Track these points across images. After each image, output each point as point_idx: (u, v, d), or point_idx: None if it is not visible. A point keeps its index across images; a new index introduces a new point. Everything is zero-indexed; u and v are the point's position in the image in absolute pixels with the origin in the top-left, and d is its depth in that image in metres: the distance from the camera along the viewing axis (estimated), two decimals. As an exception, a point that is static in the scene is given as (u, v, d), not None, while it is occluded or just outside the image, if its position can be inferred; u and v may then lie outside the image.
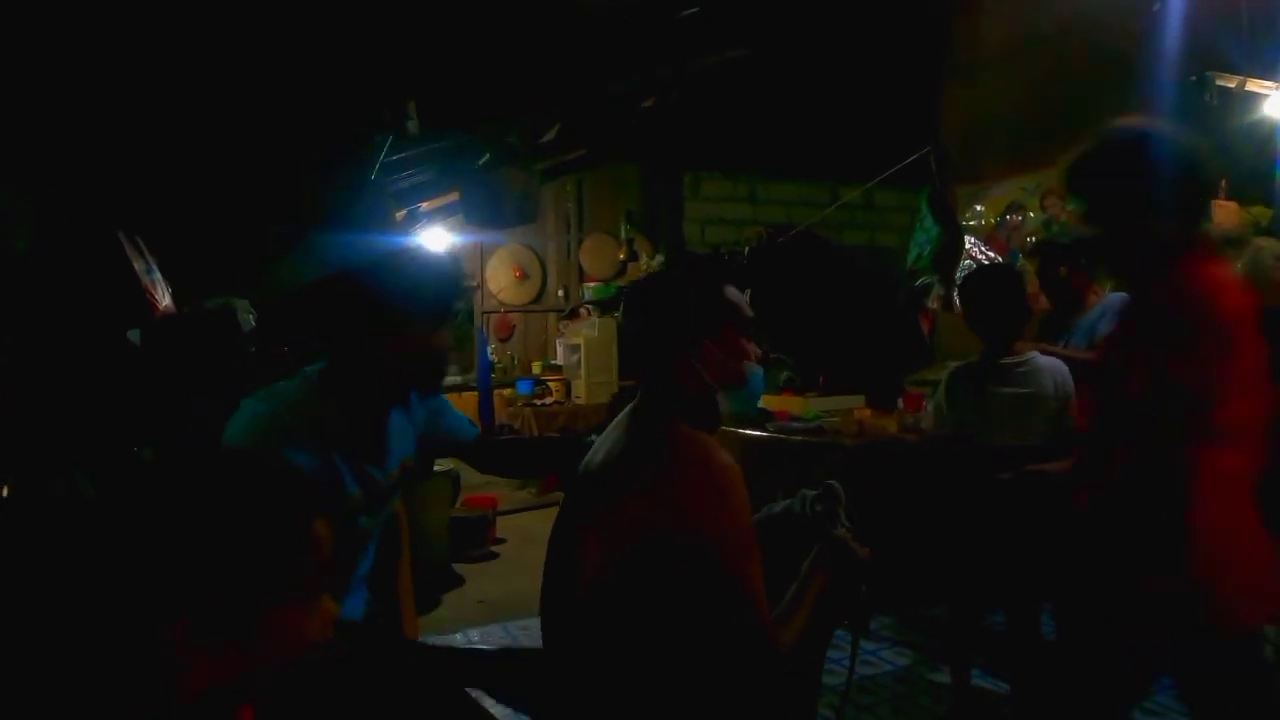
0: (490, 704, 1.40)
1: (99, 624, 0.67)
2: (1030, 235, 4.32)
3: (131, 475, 0.73)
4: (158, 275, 2.44)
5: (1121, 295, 2.86)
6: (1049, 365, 2.39)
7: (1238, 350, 1.25)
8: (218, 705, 0.72)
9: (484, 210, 3.94)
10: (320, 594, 0.76)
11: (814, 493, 1.35)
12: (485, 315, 7.37)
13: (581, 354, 6.63)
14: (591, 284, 7.40)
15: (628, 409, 1.32)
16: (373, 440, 1.40)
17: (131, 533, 0.69)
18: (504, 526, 5.09)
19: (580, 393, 6.65)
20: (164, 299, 2.43)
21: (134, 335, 2.21)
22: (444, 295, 1.40)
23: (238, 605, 0.70)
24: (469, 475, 4.28)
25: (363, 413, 1.38)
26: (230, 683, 0.70)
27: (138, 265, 2.33)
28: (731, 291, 1.32)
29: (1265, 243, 3.08)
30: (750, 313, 1.33)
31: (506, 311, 7.46)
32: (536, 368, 7.28)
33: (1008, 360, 2.41)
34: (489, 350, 7.00)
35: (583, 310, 7.21)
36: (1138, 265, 1.40)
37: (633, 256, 7.58)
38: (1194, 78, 3.58)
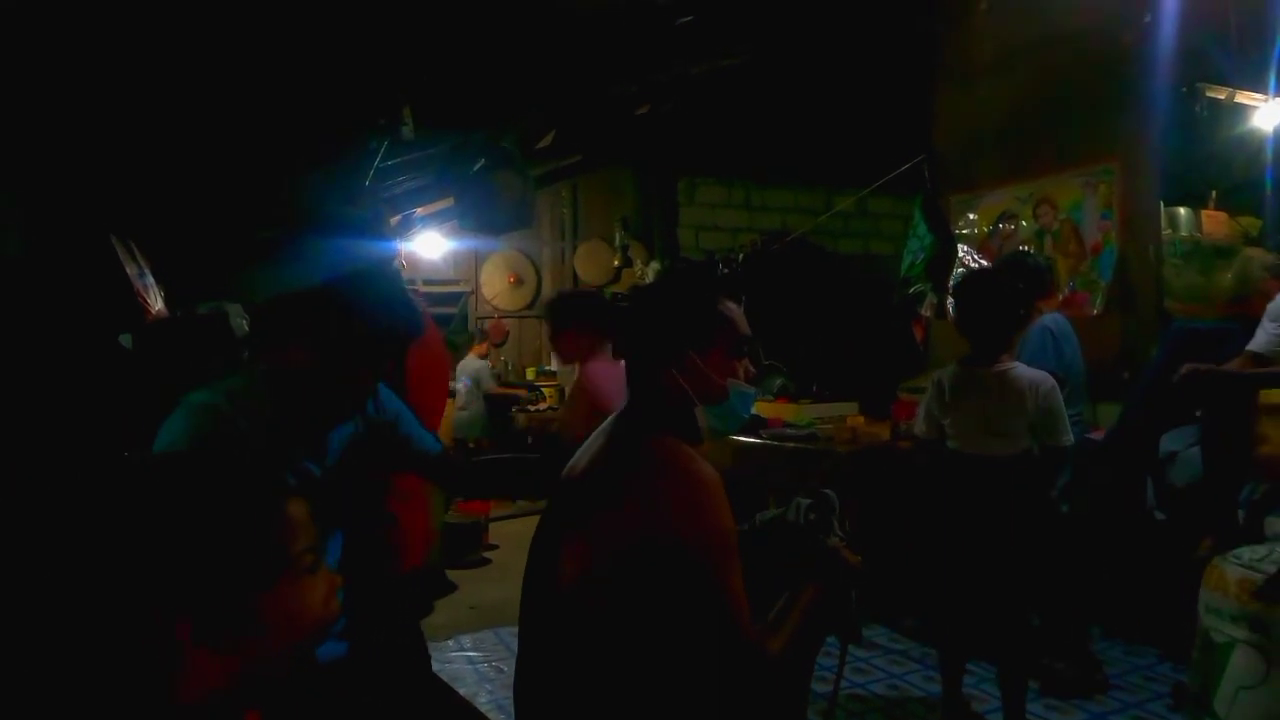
0: (484, 703, 1.40)
1: (91, 635, 0.66)
2: (1023, 244, 4.33)
3: (91, 482, 0.72)
4: (150, 280, 2.43)
5: (1053, 316, 2.89)
6: (1029, 377, 2.33)
7: None
8: (223, 708, 0.70)
9: (479, 215, 3.94)
10: (311, 570, 0.76)
11: (808, 501, 1.34)
12: (480, 321, 7.36)
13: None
14: (586, 290, 7.41)
15: (614, 415, 1.31)
16: (312, 436, 1.39)
17: (109, 543, 0.68)
18: (497, 532, 5.08)
19: (574, 398, 6.64)
20: (156, 303, 2.42)
21: (126, 340, 2.20)
22: (406, 323, 1.38)
23: (231, 598, 0.69)
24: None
25: (304, 411, 1.35)
26: (238, 680, 0.70)
27: (130, 269, 2.32)
28: (729, 307, 1.28)
29: (1254, 253, 3.11)
30: (746, 330, 1.29)
31: (501, 317, 7.46)
32: (530, 374, 7.27)
33: (985, 369, 2.36)
34: (483, 355, 6.99)
35: (577, 316, 7.21)
36: None
37: (627, 262, 7.58)
38: (1184, 89, 3.61)
